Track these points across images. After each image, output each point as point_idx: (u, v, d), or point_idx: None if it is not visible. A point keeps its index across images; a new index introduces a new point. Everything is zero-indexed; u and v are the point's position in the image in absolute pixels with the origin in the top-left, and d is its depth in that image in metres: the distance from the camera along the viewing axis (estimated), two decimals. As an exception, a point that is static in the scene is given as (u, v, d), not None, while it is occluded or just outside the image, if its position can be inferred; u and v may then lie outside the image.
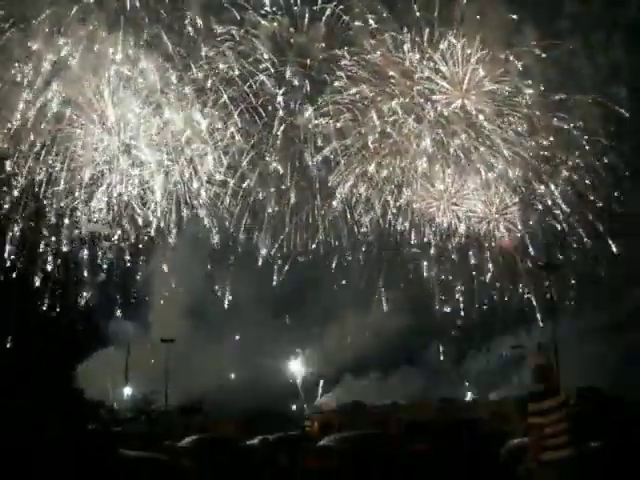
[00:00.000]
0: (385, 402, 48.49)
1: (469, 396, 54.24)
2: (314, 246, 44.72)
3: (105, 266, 43.67)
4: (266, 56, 39.71)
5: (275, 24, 39.22)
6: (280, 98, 40.77)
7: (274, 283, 46.09)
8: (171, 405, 46.45)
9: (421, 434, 21.72)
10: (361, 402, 48.09)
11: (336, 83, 40.99)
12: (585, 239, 42.88)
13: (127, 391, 50.35)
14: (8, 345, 42.90)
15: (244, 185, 42.20)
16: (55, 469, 11.65)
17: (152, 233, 42.40)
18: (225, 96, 39.42)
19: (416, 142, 41.80)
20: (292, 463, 17.59)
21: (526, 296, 44.80)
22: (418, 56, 40.16)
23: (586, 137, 41.31)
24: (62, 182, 39.51)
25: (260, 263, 45.39)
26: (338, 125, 41.42)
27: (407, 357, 54.58)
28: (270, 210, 43.31)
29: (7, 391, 29.76)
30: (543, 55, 38.98)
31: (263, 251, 44.55)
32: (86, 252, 42.90)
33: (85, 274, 43.51)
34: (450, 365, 53.55)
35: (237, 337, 51.54)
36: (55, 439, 12.53)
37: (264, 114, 41.01)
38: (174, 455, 18.19)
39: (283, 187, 42.98)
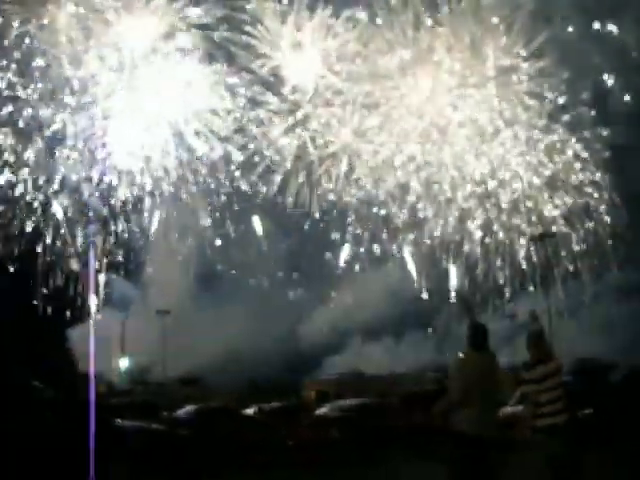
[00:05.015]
0: (384, 372, 48.35)
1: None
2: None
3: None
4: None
5: None
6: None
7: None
8: (169, 377, 46.42)
9: (419, 405, 21.75)
10: (360, 371, 47.97)
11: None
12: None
13: (123, 362, 50.05)
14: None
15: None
16: (49, 441, 11.62)
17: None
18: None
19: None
20: (288, 433, 17.66)
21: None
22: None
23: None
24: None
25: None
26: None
27: (419, 323, 52.67)
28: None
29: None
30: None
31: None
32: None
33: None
34: (455, 333, 52.67)
35: (239, 304, 50.00)
36: (49, 411, 12.48)
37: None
38: (171, 425, 18.22)
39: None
